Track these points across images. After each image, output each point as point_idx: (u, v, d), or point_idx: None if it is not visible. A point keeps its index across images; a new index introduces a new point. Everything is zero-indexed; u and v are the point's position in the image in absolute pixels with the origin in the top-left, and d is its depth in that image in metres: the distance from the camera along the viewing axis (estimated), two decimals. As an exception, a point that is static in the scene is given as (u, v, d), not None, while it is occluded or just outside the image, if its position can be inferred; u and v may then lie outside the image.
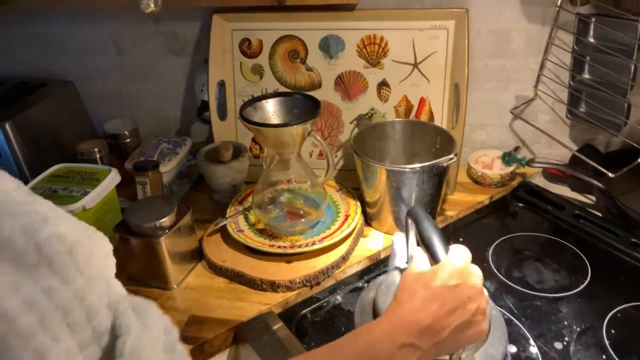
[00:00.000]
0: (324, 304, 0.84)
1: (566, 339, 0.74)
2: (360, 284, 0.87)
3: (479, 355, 0.59)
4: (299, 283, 0.84)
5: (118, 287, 0.43)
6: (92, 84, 1.26)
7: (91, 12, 1.18)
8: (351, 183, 1.03)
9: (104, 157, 1.11)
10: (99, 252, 0.42)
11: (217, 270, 0.89)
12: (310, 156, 1.11)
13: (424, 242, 0.61)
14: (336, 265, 0.87)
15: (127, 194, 1.08)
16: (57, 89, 1.23)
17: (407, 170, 0.88)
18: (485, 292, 0.56)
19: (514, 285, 0.84)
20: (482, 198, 1.05)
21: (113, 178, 0.98)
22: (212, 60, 1.08)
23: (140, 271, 0.88)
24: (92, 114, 1.30)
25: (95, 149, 1.10)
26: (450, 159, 0.86)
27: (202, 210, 1.04)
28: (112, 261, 0.45)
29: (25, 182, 0.98)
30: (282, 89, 1.10)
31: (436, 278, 0.54)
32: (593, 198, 1.03)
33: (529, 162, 1.02)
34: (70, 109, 1.26)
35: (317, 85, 1.08)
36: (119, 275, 0.88)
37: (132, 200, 1.07)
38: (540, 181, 1.10)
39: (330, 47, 1.05)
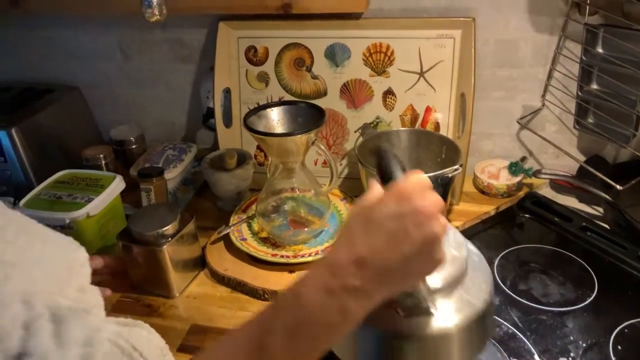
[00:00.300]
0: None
1: (572, 354, 0.73)
2: (363, 295, 0.86)
3: (454, 300, 0.52)
4: (302, 293, 0.83)
5: (64, 300, 0.41)
6: (99, 90, 1.27)
7: (99, 18, 1.18)
8: (356, 192, 1.02)
9: (109, 163, 1.12)
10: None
11: (220, 279, 0.88)
12: (315, 164, 1.11)
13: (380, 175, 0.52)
14: (339, 275, 0.87)
15: (132, 200, 1.08)
16: (64, 95, 1.23)
17: (412, 180, 0.87)
18: (443, 220, 0.47)
19: (519, 299, 0.83)
20: (488, 208, 1.04)
21: (117, 185, 0.98)
22: (217, 68, 1.08)
23: (143, 279, 0.87)
24: (99, 120, 1.30)
25: (101, 155, 1.10)
26: (455, 169, 0.85)
27: (206, 218, 1.04)
28: (87, 271, 0.44)
29: (31, 188, 0.99)
30: (288, 96, 1.10)
31: (378, 207, 0.46)
32: (601, 210, 1.01)
33: (536, 173, 1.01)
34: (77, 115, 1.27)
35: (323, 94, 1.08)
36: (122, 282, 0.88)
37: (137, 206, 1.07)
38: (547, 192, 1.09)
39: (336, 55, 1.05)
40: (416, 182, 0.47)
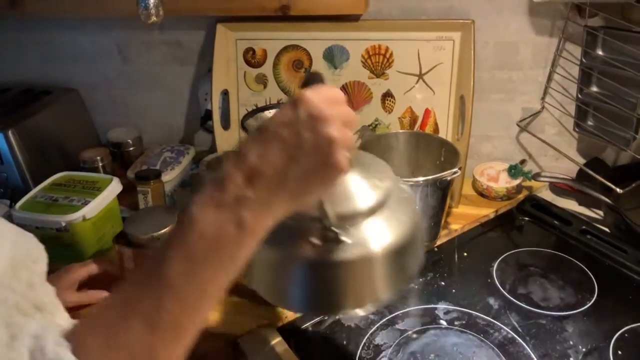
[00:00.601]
0: (324, 319, 0.82)
1: (571, 359, 0.72)
2: (361, 299, 0.86)
3: (371, 230, 0.50)
4: (299, 297, 0.83)
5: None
6: (97, 92, 1.26)
7: (97, 20, 1.18)
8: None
9: (106, 166, 1.11)
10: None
11: (217, 282, 0.88)
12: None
13: None
14: (337, 279, 0.86)
15: (129, 202, 1.08)
16: (61, 97, 1.23)
17: (411, 183, 0.87)
18: (347, 131, 0.44)
19: (518, 303, 0.82)
20: (487, 211, 1.03)
21: (114, 187, 0.98)
22: (215, 70, 1.07)
23: (139, 282, 0.87)
24: (97, 122, 1.30)
25: (98, 158, 1.10)
26: (454, 172, 0.85)
27: (203, 220, 1.04)
28: (41, 268, 0.44)
29: (28, 190, 0.98)
30: (286, 98, 1.09)
31: (275, 115, 0.43)
32: (601, 213, 1.01)
33: (535, 176, 1.00)
34: (75, 117, 1.26)
35: (321, 96, 1.07)
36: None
37: (134, 209, 1.07)
38: (547, 195, 1.08)
39: (334, 57, 1.05)
40: (324, 92, 0.43)
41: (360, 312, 0.54)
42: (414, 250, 0.54)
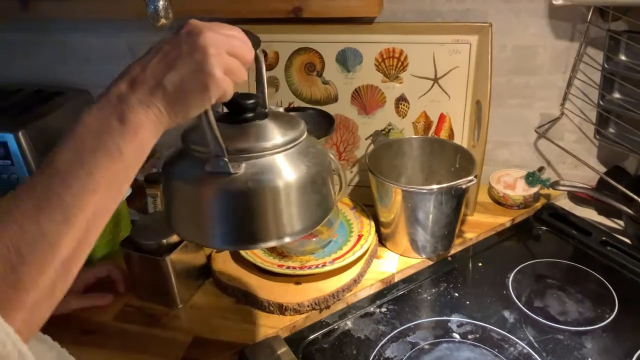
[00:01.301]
0: (333, 329, 0.80)
1: (590, 378, 0.69)
2: (372, 309, 0.83)
3: (257, 166, 0.53)
4: (308, 306, 0.81)
5: None
6: (106, 85, 1.25)
7: (109, 21, 1.17)
8: (367, 200, 0.99)
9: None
10: None
11: (224, 288, 0.86)
12: (325, 171, 1.08)
13: None
14: (347, 288, 0.84)
15: (138, 206, 1.07)
16: (73, 98, 1.22)
17: (424, 191, 0.85)
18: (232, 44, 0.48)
19: (535, 316, 0.79)
20: (503, 220, 1.01)
21: (123, 190, 0.97)
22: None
23: (146, 289, 0.86)
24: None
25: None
26: (470, 180, 0.82)
27: (213, 225, 1.02)
28: None
29: (37, 192, 0.97)
30: (298, 102, 1.07)
31: (166, 38, 0.48)
32: (622, 223, 0.97)
33: (553, 185, 0.97)
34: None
35: (334, 99, 1.05)
36: (123, 292, 0.86)
37: (144, 212, 1.06)
38: (565, 203, 1.05)
39: (347, 60, 1.02)
40: (215, 23, 0.49)
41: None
42: (311, 195, 0.55)
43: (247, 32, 0.56)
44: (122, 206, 0.98)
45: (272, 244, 0.56)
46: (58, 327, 0.80)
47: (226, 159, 0.52)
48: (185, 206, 0.56)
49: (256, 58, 0.62)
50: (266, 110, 0.61)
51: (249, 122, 0.57)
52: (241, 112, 0.57)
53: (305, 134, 0.60)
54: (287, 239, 0.55)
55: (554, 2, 0.80)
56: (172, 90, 0.45)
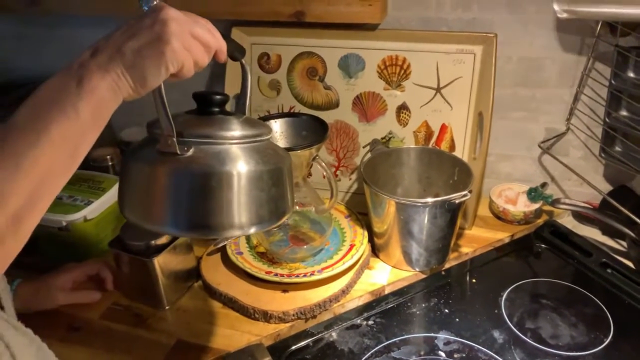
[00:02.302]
0: (318, 340, 0.79)
1: (577, 407, 0.67)
2: (359, 321, 0.82)
3: (208, 152, 0.53)
4: (293, 315, 0.80)
5: None
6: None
7: (116, 18, 1.17)
8: (364, 208, 0.98)
9: (116, 165, 1.11)
10: None
11: (212, 293, 0.86)
12: (324, 177, 1.07)
13: None
14: (335, 298, 0.83)
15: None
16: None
17: (418, 204, 0.83)
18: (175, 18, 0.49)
19: (525, 338, 0.77)
20: (502, 235, 0.98)
21: (119, 189, 0.97)
22: (229, 73, 1.05)
23: (133, 289, 0.86)
24: (112, 120, 1.29)
25: (107, 157, 1.10)
26: (464, 195, 0.80)
27: (208, 226, 1.02)
28: None
29: (36, 186, 0.98)
30: (299, 106, 1.06)
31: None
32: (625, 245, 0.94)
33: (554, 203, 0.94)
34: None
35: (335, 105, 1.04)
36: (112, 291, 0.87)
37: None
38: (569, 221, 1.02)
39: (349, 66, 1.01)
40: (184, 12, 0.50)
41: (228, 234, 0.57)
42: (256, 190, 0.55)
43: (231, 40, 0.57)
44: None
45: (213, 234, 0.56)
46: (45, 322, 0.81)
47: (174, 139, 0.52)
48: (133, 187, 0.56)
49: (242, 66, 0.63)
50: (242, 116, 0.61)
51: (214, 115, 0.58)
52: (208, 106, 0.58)
53: (269, 137, 0.60)
54: (230, 232, 0.55)
55: (558, 15, 0.78)
56: (130, 56, 0.47)
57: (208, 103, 0.59)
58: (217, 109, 0.59)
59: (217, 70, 1.16)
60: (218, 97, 0.59)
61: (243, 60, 0.62)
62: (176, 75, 0.50)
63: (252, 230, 0.56)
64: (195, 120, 0.57)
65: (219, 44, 0.53)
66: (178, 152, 0.52)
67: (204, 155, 0.53)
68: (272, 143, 0.61)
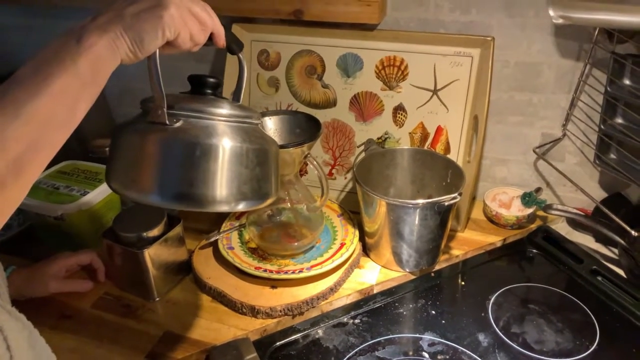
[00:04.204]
0: (303, 337, 0.80)
1: (556, 412, 0.67)
2: (345, 320, 0.83)
3: (196, 125, 0.54)
4: (280, 311, 0.81)
5: None
6: (117, 82, 1.26)
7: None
8: (357, 208, 0.99)
9: (114, 157, 1.12)
10: None
11: (202, 286, 0.87)
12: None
13: None
14: (323, 296, 0.83)
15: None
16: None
17: (408, 205, 0.83)
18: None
19: (509, 342, 0.77)
20: (494, 239, 0.98)
21: (115, 180, 0.98)
22: (228, 69, 1.06)
23: (124, 279, 0.87)
24: (114, 112, 1.31)
25: (107, 148, 1.11)
26: (453, 198, 0.80)
27: (203, 220, 1.03)
28: None
29: (36, 175, 1.00)
30: (297, 103, 1.07)
31: None
32: (617, 252, 0.93)
33: (546, 208, 0.94)
34: (93, 105, 1.28)
35: (332, 103, 1.04)
36: (104, 281, 0.88)
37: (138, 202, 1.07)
38: (562, 227, 1.01)
39: (348, 65, 1.01)
40: None
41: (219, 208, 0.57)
42: (238, 166, 0.56)
43: (230, 32, 0.60)
44: (114, 195, 0.99)
45: (194, 206, 0.55)
46: (37, 309, 0.83)
47: (164, 109, 0.53)
48: (121, 156, 0.57)
49: (239, 60, 0.65)
50: (235, 102, 0.62)
51: (206, 95, 0.60)
52: (202, 87, 0.60)
53: (259, 122, 0.61)
54: (212, 206, 0.55)
55: (554, 21, 0.77)
56: (129, 19, 0.49)
57: (202, 84, 0.60)
58: (209, 91, 0.60)
59: (217, 66, 1.17)
60: (212, 79, 0.61)
61: (240, 54, 0.63)
62: (172, 44, 0.52)
63: (233, 207, 0.57)
64: (188, 98, 0.58)
65: (216, 26, 0.56)
66: (167, 122, 0.53)
67: (191, 128, 0.54)
68: (260, 129, 0.62)
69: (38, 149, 0.45)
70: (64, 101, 0.46)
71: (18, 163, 0.43)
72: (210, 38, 0.57)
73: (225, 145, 0.54)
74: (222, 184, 0.55)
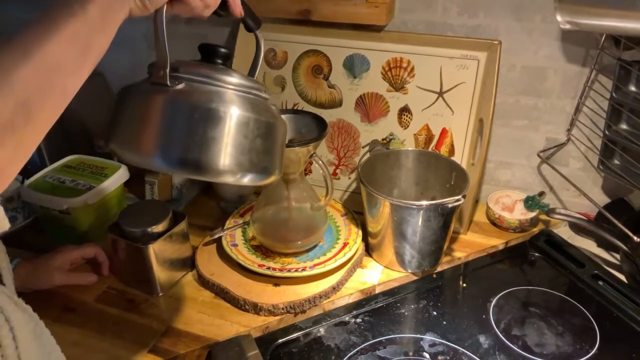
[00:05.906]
0: (305, 335, 0.80)
1: (555, 415, 0.67)
2: (347, 319, 0.83)
3: (200, 90, 0.53)
4: (283, 309, 0.81)
5: None
6: (123, 78, 1.27)
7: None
8: (361, 208, 0.99)
9: (120, 152, 1.12)
10: None
11: (205, 282, 0.87)
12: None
13: None
14: (325, 295, 0.84)
15: (138, 191, 1.09)
16: (87, 79, 1.24)
17: (411, 206, 0.84)
18: None
19: (510, 344, 0.78)
20: (496, 242, 0.99)
21: (121, 175, 0.99)
22: (235, 67, 1.06)
23: (128, 274, 0.87)
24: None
25: (113, 143, 1.11)
26: (457, 200, 0.81)
27: (207, 217, 1.04)
28: None
29: (42, 167, 1.00)
30: (303, 103, 1.07)
31: None
32: (619, 258, 0.94)
33: (549, 212, 0.94)
34: (99, 100, 1.28)
35: (338, 104, 1.05)
36: (108, 275, 0.88)
37: (142, 198, 1.08)
38: (564, 231, 1.02)
39: (354, 66, 1.02)
40: None
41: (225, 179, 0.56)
42: (240, 136, 0.54)
43: (249, 8, 0.59)
44: (118, 191, 1.00)
45: (188, 171, 0.54)
46: (42, 301, 0.83)
47: (167, 70, 0.52)
48: (121, 117, 0.56)
49: (256, 37, 0.66)
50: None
51: (216, 64, 0.59)
52: (212, 56, 0.59)
53: (267, 98, 0.60)
54: (207, 174, 0.54)
55: (561, 26, 0.78)
56: None
57: (212, 53, 0.59)
58: (220, 61, 0.59)
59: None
60: (223, 50, 0.59)
61: (258, 32, 0.62)
62: (183, 0, 0.51)
63: (239, 178, 0.55)
64: (196, 64, 0.57)
65: None
66: (168, 83, 0.52)
67: (193, 91, 0.53)
68: (268, 104, 0.60)
69: (47, 94, 0.44)
70: (74, 46, 0.45)
71: (27, 105, 0.42)
72: (226, 8, 0.56)
73: (226, 111, 0.53)
74: (227, 153, 0.53)
